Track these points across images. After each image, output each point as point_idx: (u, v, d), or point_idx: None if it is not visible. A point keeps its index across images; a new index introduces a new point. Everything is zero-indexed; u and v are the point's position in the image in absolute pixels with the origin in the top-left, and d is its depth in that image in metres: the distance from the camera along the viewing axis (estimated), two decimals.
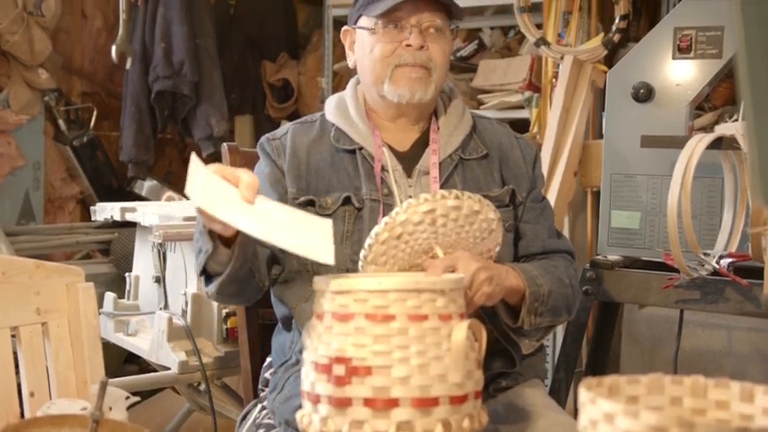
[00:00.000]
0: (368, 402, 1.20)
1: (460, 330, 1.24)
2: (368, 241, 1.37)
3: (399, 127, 1.69)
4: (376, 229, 1.37)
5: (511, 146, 1.73)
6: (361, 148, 1.65)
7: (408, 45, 1.61)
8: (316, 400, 1.24)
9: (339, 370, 1.21)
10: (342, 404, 1.21)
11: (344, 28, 1.73)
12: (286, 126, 1.76)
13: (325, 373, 1.22)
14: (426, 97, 1.63)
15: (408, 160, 1.66)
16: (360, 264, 1.40)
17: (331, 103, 1.73)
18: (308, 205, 1.62)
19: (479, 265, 1.41)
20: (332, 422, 1.22)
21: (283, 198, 1.64)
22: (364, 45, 1.66)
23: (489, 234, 1.45)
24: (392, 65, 1.62)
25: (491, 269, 1.44)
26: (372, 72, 1.65)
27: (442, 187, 1.62)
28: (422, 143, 1.68)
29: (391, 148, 1.67)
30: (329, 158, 1.65)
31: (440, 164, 1.64)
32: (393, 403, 1.20)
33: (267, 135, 1.74)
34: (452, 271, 1.39)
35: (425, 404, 1.20)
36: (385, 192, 1.61)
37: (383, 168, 1.63)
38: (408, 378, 1.20)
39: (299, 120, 1.78)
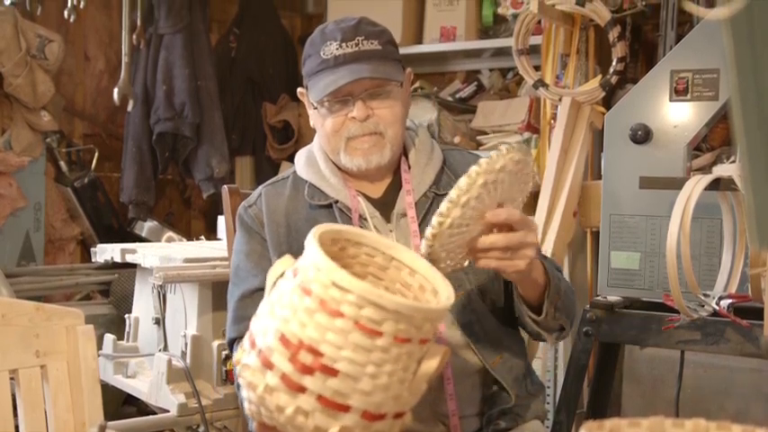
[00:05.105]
0: (321, 399, 1.18)
1: (434, 361, 1.23)
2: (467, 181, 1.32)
3: (369, 178, 1.70)
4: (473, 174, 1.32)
5: None
6: (336, 202, 1.66)
7: (354, 117, 1.62)
8: (267, 364, 1.21)
9: (306, 358, 1.18)
10: (294, 388, 1.18)
11: (300, 90, 1.74)
12: (258, 190, 1.76)
13: (289, 351, 1.19)
14: (384, 160, 1.65)
15: (385, 206, 1.67)
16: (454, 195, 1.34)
17: (301, 159, 1.75)
18: None
19: (536, 241, 1.42)
20: (277, 397, 1.19)
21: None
22: (316, 117, 1.68)
23: (526, 185, 1.45)
24: (344, 137, 1.64)
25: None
26: (327, 144, 1.67)
27: (420, 225, 1.63)
28: (395, 186, 1.70)
29: (366, 197, 1.68)
30: (306, 216, 1.66)
31: (416, 203, 1.65)
32: (345, 409, 1.18)
33: (244, 203, 1.75)
34: (510, 228, 1.38)
35: (373, 418, 1.20)
36: None
37: (361, 217, 1.64)
38: (369, 393, 1.18)
39: (269, 181, 1.78)
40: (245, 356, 1.26)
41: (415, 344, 1.21)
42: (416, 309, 1.20)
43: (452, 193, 1.31)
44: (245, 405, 1.28)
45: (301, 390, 1.18)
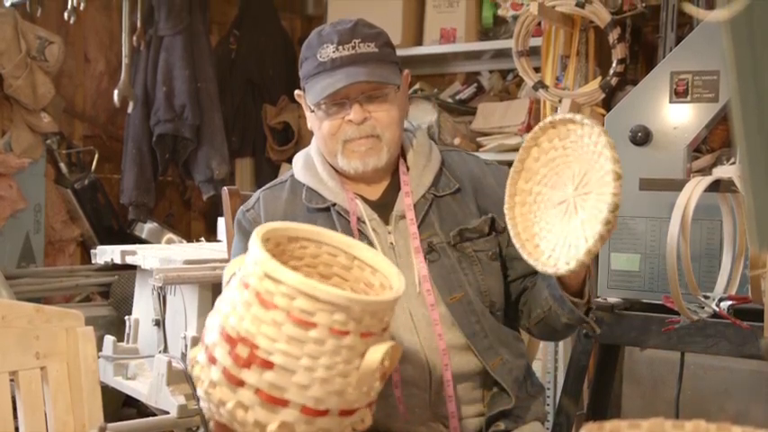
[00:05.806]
0: (259, 392, 1.18)
1: (377, 352, 1.22)
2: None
3: (367, 180, 1.70)
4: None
5: (483, 174, 1.74)
6: (334, 205, 1.66)
7: (350, 120, 1.62)
8: (212, 359, 1.22)
9: (243, 351, 1.18)
10: (234, 382, 1.19)
11: (297, 92, 1.74)
12: (256, 194, 1.76)
13: (229, 345, 1.20)
14: (381, 163, 1.65)
15: (383, 208, 1.67)
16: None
17: (299, 162, 1.75)
18: None
19: None
20: (220, 391, 1.20)
21: None
22: (313, 119, 1.68)
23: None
24: (341, 140, 1.64)
25: None
26: (325, 147, 1.68)
27: (419, 227, 1.63)
28: (393, 188, 1.69)
29: (364, 199, 1.68)
30: (304, 219, 1.65)
31: (414, 205, 1.65)
32: (283, 403, 1.18)
33: (242, 207, 1.75)
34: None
35: (314, 414, 1.19)
36: (365, 243, 1.61)
37: (359, 220, 1.64)
38: (307, 387, 1.18)
39: (267, 186, 1.78)
40: (199, 354, 1.27)
41: (355, 337, 1.20)
42: (351, 299, 1.19)
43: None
44: (201, 404, 1.29)
45: (240, 384, 1.19)
